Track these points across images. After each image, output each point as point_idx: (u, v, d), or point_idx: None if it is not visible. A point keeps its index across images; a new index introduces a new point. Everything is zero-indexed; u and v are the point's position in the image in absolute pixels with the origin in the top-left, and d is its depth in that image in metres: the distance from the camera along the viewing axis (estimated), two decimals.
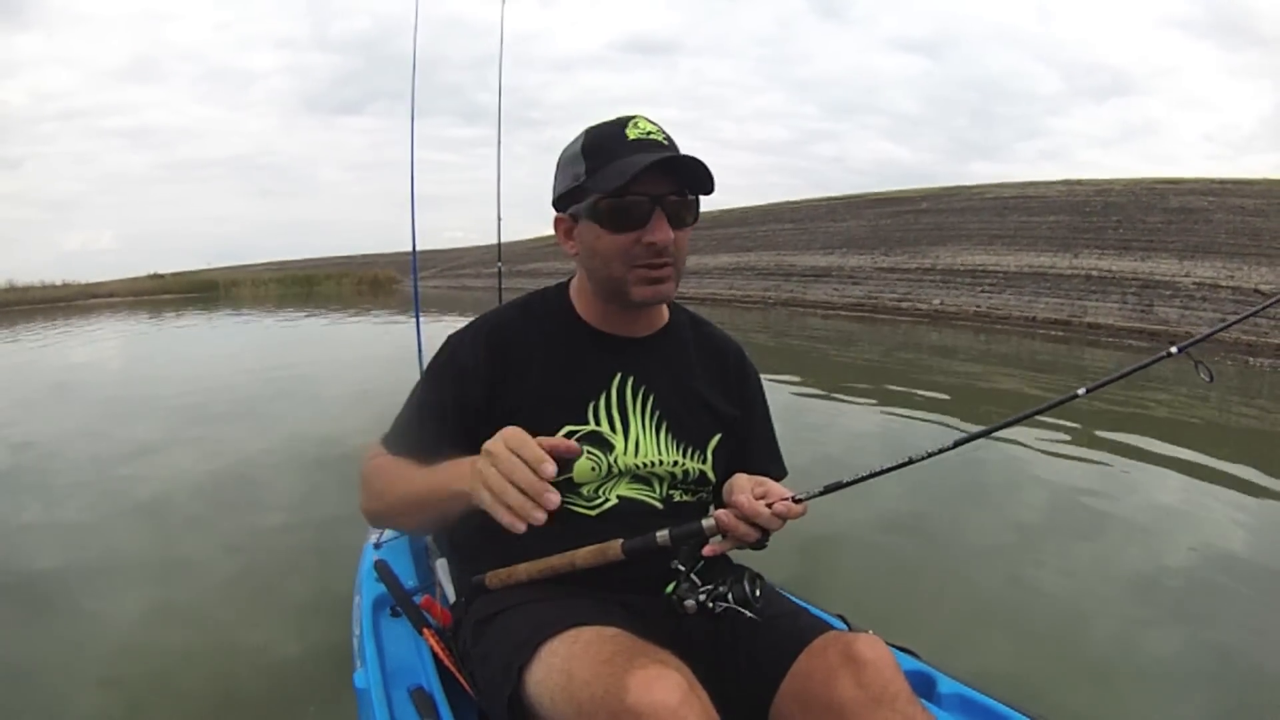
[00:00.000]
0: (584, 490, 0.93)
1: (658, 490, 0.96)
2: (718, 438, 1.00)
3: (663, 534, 0.84)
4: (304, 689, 1.67)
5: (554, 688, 0.74)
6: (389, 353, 7.80)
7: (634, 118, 0.89)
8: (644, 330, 0.99)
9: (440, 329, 1.01)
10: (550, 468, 0.70)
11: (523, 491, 0.70)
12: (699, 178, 0.88)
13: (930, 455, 0.85)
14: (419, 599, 1.21)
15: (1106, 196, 14.03)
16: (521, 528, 0.70)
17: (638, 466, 0.93)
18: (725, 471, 0.98)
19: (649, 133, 0.87)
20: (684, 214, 0.89)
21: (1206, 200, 12.52)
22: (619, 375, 0.95)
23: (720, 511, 0.82)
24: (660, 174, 0.85)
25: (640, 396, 0.96)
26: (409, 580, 1.35)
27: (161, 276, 33.03)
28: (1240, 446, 4.36)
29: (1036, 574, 2.43)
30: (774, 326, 11.72)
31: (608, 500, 0.94)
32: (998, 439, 4.20)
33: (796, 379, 6.17)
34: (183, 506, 3.01)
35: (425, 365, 1.00)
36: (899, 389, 6.00)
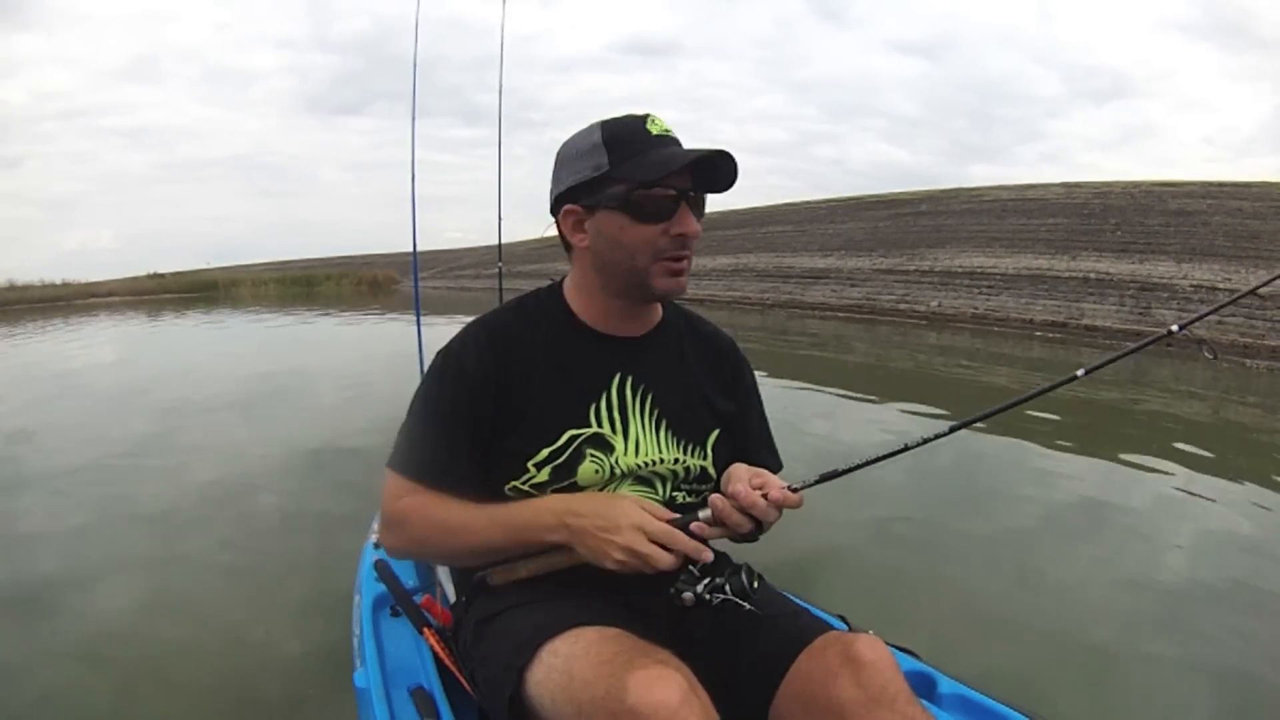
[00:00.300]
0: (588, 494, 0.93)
1: (660, 491, 0.96)
2: (717, 433, 1.00)
3: None
4: (304, 688, 1.67)
5: (555, 688, 0.75)
6: (389, 352, 7.80)
7: (649, 115, 0.90)
8: (641, 329, 0.99)
9: (441, 329, 1.01)
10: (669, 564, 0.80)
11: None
12: (718, 177, 0.90)
13: (926, 441, 0.85)
14: (419, 599, 1.22)
15: (1105, 199, 14.06)
16: None
17: (639, 467, 0.93)
18: (726, 466, 0.98)
19: (667, 130, 0.90)
20: (700, 210, 0.91)
21: (1205, 203, 12.55)
22: (618, 375, 0.95)
23: (715, 497, 0.82)
24: (683, 170, 0.87)
25: (639, 396, 0.96)
26: (409, 580, 1.35)
27: (161, 276, 32.98)
28: (1238, 447, 4.37)
29: (1036, 574, 2.43)
30: (773, 327, 11.72)
31: None
32: (998, 439, 4.21)
33: (795, 379, 6.18)
34: (182, 505, 3.00)
35: (424, 369, 0.98)
36: (897, 388, 6.01)
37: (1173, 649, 1.98)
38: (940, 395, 5.81)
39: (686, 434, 0.97)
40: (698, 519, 0.82)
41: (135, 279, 31.08)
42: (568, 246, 0.96)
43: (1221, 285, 10.05)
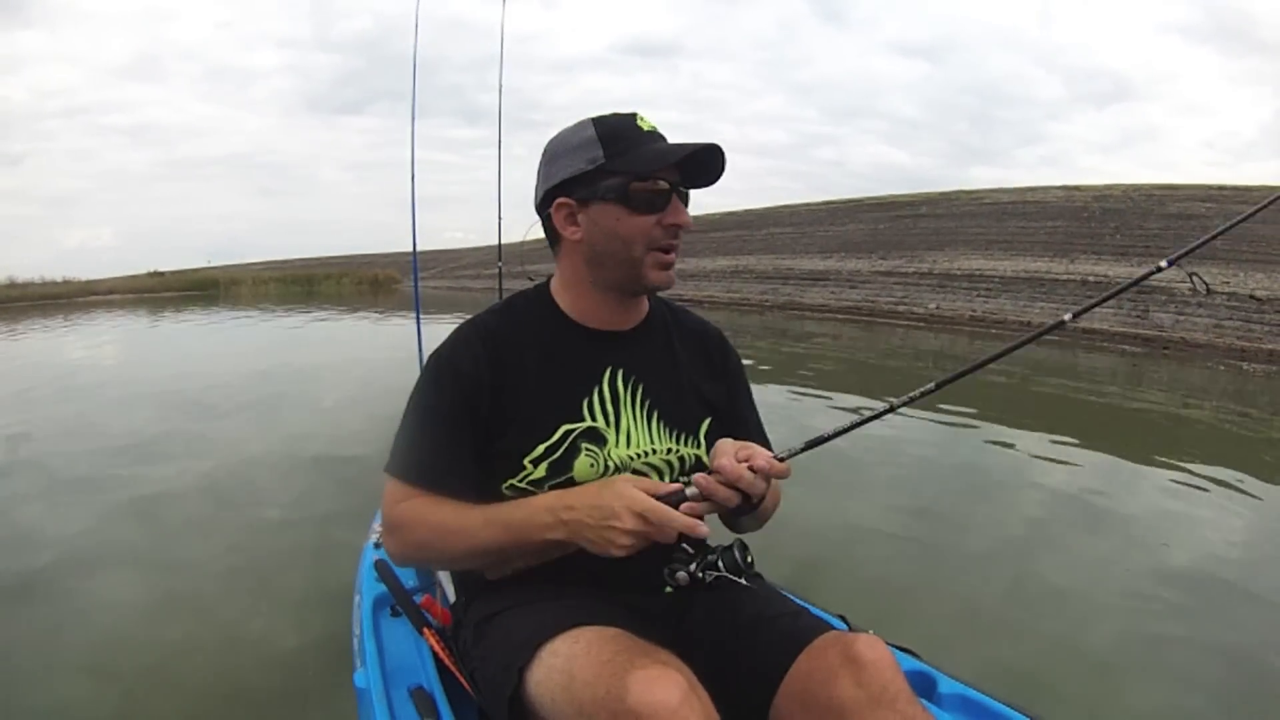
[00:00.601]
0: None
1: None
2: (708, 421, 1.00)
3: None
4: (304, 688, 1.67)
5: (555, 688, 0.75)
6: (389, 351, 7.81)
7: (635, 113, 0.93)
8: (628, 323, 1.00)
9: (442, 328, 1.01)
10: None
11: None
12: (706, 172, 0.93)
13: (911, 400, 0.83)
14: (419, 599, 1.22)
15: (1105, 202, 14.09)
16: None
17: (631, 458, 0.94)
18: None
19: (654, 127, 0.93)
20: (688, 203, 0.94)
21: (1205, 206, 12.58)
22: (609, 369, 0.96)
23: (700, 475, 0.81)
24: (673, 165, 0.90)
25: (631, 388, 0.96)
26: (409, 580, 1.36)
27: (162, 274, 32.97)
28: (1235, 448, 4.38)
29: (1036, 574, 2.44)
30: (773, 329, 11.74)
31: None
32: (999, 441, 4.19)
33: (794, 379, 6.18)
34: (182, 503, 3.00)
35: (420, 373, 0.97)
36: (894, 388, 6.01)
37: (1173, 648, 1.99)
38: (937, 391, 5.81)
39: (678, 424, 0.98)
40: (686, 498, 0.81)
41: (136, 277, 31.09)
42: (554, 241, 0.97)
43: (1219, 289, 10.07)
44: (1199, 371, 7.74)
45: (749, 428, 1.05)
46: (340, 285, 28.46)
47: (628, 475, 0.86)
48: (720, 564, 0.81)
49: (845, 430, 0.83)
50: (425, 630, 1.10)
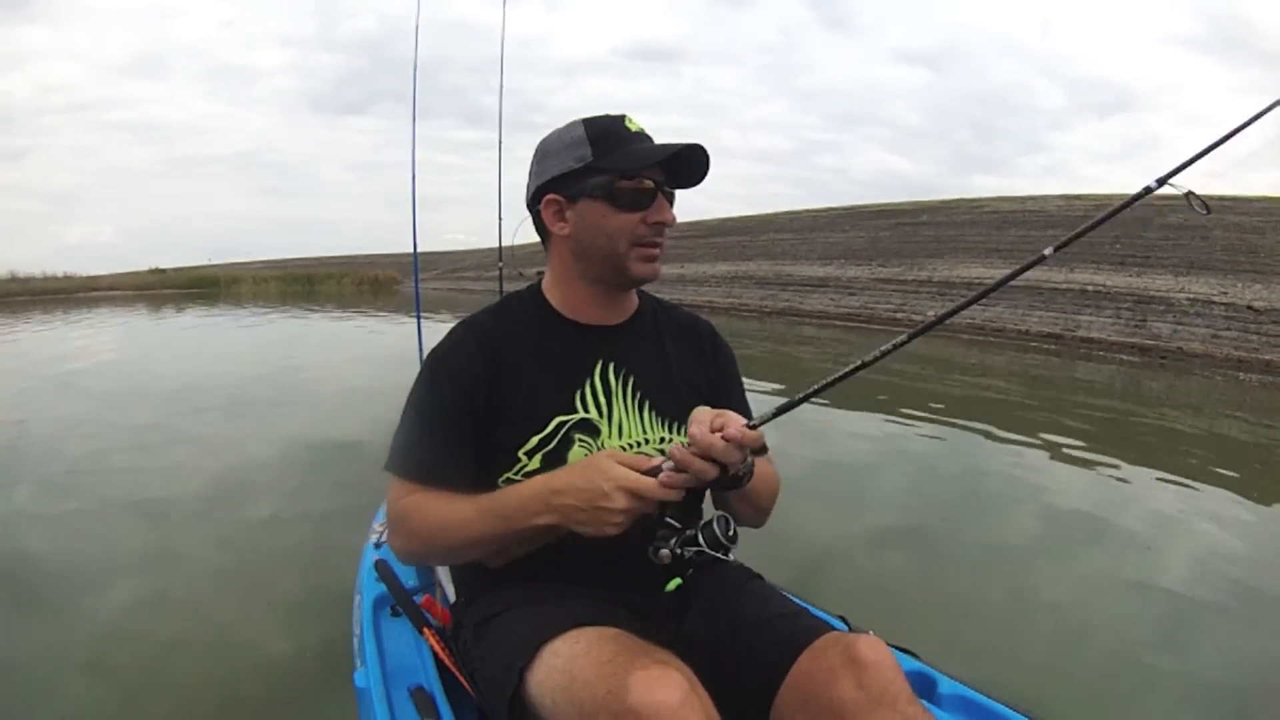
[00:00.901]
0: None
1: None
2: None
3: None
4: (304, 687, 1.67)
5: (555, 688, 0.75)
6: (389, 349, 7.80)
7: (624, 115, 0.96)
8: (618, 317, 1.02)
9: (443, 327, 1.02)
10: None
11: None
12: (691, 173, 0.95)
13: (884, 354, 0.80)
14: (419, 599, 1.22)
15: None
16: None
17: (624, 449, 0.95)
18: None
19: (642, 128, 0.96)
20: (673, 202, 0.96)
21: (1205, 217, 12.60)
22: (600, 362, 0.98)
23: (675, 446, 0.79)
24: (658, 166, 0.93)
25: (622, 379, 0.98)
26: (409, 580, 1.36)
27: (162, 271, 33.08)
28: (1234, 457, 4.39)
29: (1036, 576, 2.45)
30: (772, 335, 11.75)
31: None
32: (999, 448, 4.20)
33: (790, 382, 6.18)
34: (181, 501, 2.99)
35: (416, 378, 0.99)
36: (891, 388, 6.02)
37: (1172, 649, 2.00)
38: (936, 392, 5.82)
39: (669, 413, 0.99)
40: (663, 470, 0.79)
41: (136, 274, 31.15)
42: (545, 238, 1.00)
43: (1218, 299, 10.10)
44: (1196, 381, 7.75)
45: (740, 415, 1.06)
46: (341, 285, 28.48)
47: (609, 451, 0.85)
48: (700, 539, 0.80)
49: (817, 391, 0.79)
50: (425, 630, 1.10)
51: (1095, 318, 10.84)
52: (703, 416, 0.81)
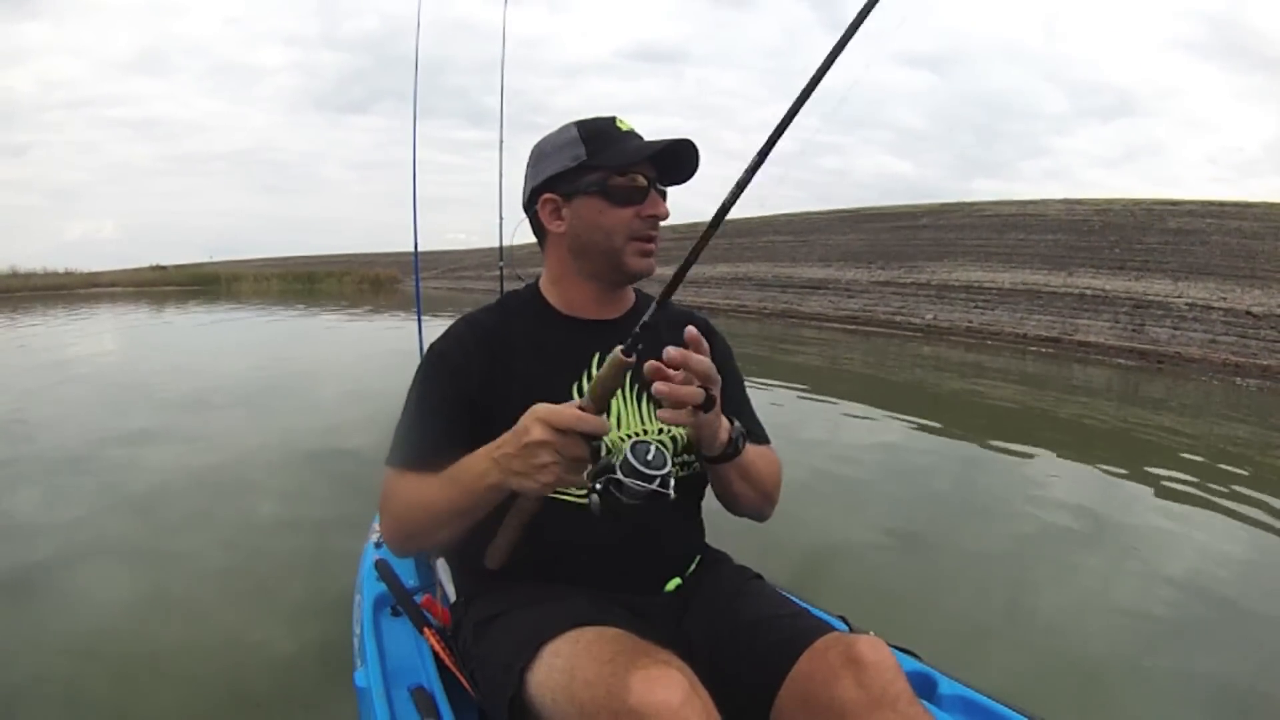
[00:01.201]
0: None
1: None
2: None
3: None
4: (304, 686, 1.66)
5: (556, 688, 0.75)
6: (389, 350, 7.80)
7: (615, 116, 0.98)
8: (614, 312, 1.03)
9: (443, 326, 1.02)
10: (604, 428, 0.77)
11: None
12: (681, 169, 0.97)
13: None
14: (420, 598, 1.22)
15: (1105, 216, 14.14)
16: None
17: (623, 440, 0.94)
18: None
19: (632, 129, 0.99)
20: (665, 198, 0.98)
21: (1205, 222, 12.63)
22: (597, 355, 0.98)
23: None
24: (650, 163, 0.95)
25: None
26: (409, 580, 1.36)
27: (163, 268, 33.09)
28: (1231, 461, 4.40)
29: (1036, 576, 2.45)
30: (772, 337, 11.76)
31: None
32: (999, 452, 4.20)
33: (791, 383, 6.20)
34: (181, 500, 2.98)
35: (415, 372, 1.00)
36: (892, 388, 6.03)
37: (1172, 650, 2.00)
38: (932, 391, 5.83)
39: None
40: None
41: (137, 270, 31.18)
42: (542, 237, 1.02)
43: (1216, 304, 10.12)
44: (1194, 386, 7.77)
45: (738, 408, 1.06)
46: (341, 284, 28.50)
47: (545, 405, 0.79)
48: (618, 469, 0.74)
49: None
50: (426, 630, 1.10)
51: (1093, 322, 10.85)
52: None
